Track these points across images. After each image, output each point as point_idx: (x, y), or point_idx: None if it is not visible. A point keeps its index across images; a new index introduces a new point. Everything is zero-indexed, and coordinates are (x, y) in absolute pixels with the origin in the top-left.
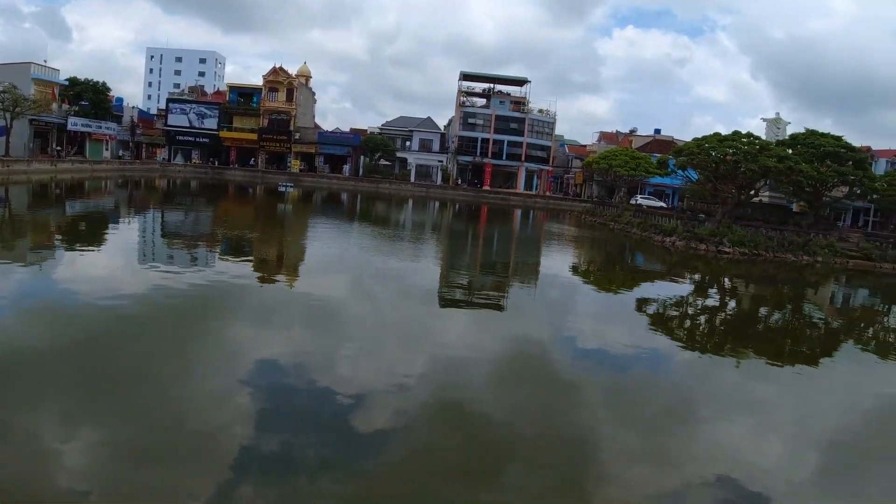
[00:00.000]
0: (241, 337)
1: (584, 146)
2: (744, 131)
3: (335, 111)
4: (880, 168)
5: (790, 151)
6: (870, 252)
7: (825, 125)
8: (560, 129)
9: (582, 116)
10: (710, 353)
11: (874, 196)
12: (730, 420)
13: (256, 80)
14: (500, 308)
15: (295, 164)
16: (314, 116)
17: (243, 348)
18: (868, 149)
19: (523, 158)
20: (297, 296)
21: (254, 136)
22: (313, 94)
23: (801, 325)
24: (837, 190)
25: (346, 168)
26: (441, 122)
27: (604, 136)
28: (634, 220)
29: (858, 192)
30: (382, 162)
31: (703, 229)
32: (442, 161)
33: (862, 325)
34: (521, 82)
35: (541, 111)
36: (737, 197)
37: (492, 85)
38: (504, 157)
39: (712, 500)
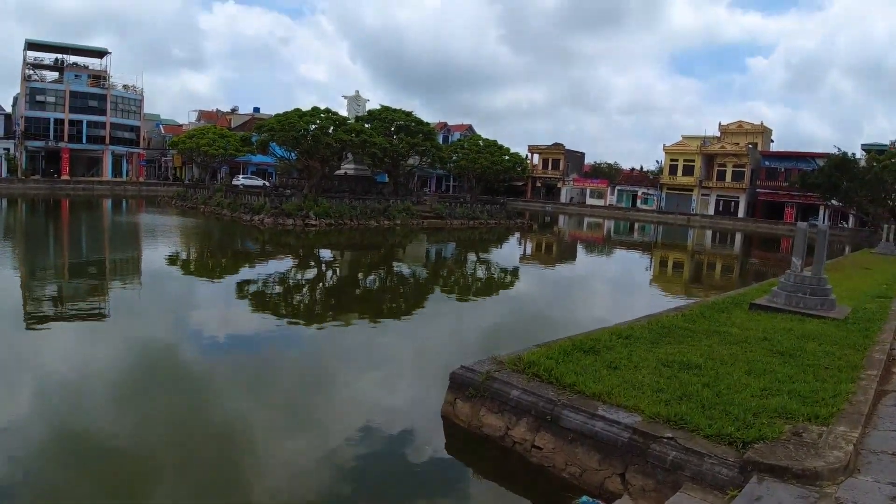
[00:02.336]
0: None
1: (182, 126)
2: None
3: None
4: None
5: (367, 126)
6: (441, 212)
7: (414, 104)
8: (159, 108)
9: (185, 94)
10: (319, 323)
11: (448, 164)
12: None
13: None
14: (102, 316)
15: None
16: None
17: None
18: (444, 125)
19: (107, 141)
20: None
21: None
22: None
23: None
24: (413, 160)
25: None
26: (6, 102)
27: (203, 115)
28: (225, 201)
29: (429, 160)
30: None
31: (290, 204)
32: (8, 149)
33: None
34: (100, 53)
35: (126, 87)
36: (321, 171)
37: (65, 56)
38: (85, 141)
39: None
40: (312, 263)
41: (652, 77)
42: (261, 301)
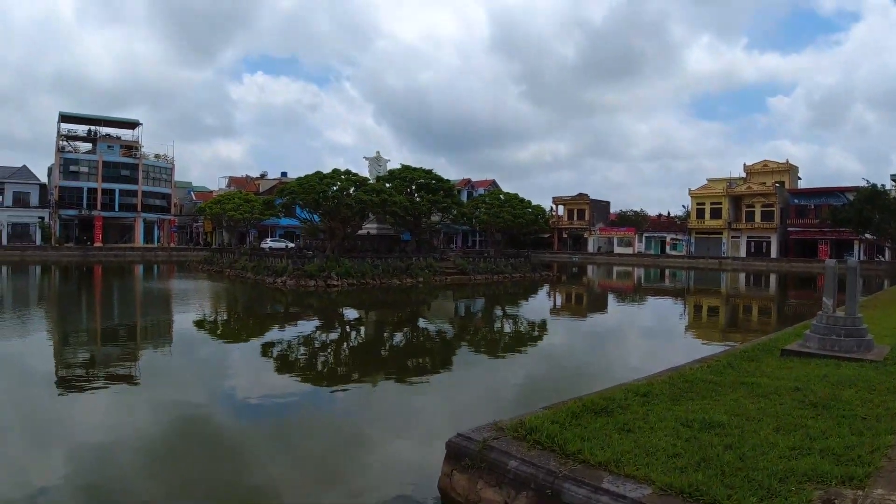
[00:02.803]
0: None
1: (213, 192)
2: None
3: None
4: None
5: (388, 185)
6: (464, 267)
7: (439, 162)
8: (192, 175)
9: (217, 161)
10: (334, 384)
11: (471, 220)
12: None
13: None
14: (133, 380)
15: None
16: None
17: None
18: (468, 181)
19: (139, 209)
20: None
21: None
22: None
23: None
24: (435, 217)
25: None
26: (41, 173)
27: (233, 181)
28: (249, 264)
29: (450, 217)
30: None
31: (312, 265)
32: (43, 217)
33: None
34: (132, 125)
35: (157, 156)
36: (343, 231)
37: (98, 127)
38: (117, 209)
39: None
40: (333, 324)
41: (674, 122)
42: (280, 364)
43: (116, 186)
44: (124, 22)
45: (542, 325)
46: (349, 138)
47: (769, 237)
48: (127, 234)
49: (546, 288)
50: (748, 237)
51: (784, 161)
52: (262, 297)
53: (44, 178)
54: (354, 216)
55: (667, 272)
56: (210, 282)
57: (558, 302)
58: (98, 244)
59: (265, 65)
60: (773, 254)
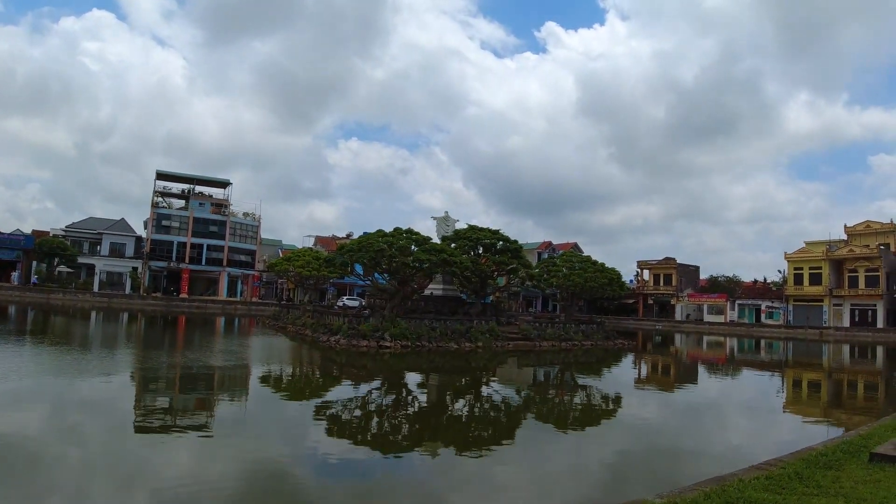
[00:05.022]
0: None
1: None
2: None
3: (35, 212)
4: None
5: (453, 246)
6: (529, 333)
7: (527, 226)
8: (288, 234)
9: (311, 222)
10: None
11: (538, 283)
12: None
13: None
14: (206, 430)
15: None
16: None
17: None
18: (549, 244)
19: (225, 263)
20: None
21: None
22: None
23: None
24: (502, 278)
25: (16, 276)
26: (139, 227)
27: (319, 241)
28: (309, 321)
29: (517, 280)
30: (64, 269)
31: (366, 325)
32: (136, 267)
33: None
34: (223, 184)
35: (245, 214)
36: (402, 291)
37: (191, 186)
38: (204, 262)
39: None
40: (370, 388)
41: (772, 183)
42: (310, 428)
43: (205, 241)
44: (231, 91)
45: (617, 400)
46: (437, 202)
47: (874, 305)
48: (212, 287)
49: (619, 358)
50: (851, 305)
51: (889, 222)
52: (306, 356)
53: (140, 231)
54: (413, 276)
55: (762, 343)
56: (267, 337)
57: (642, 374)
58: (184, 295)
59: (359, 131)
60: (880, 323)
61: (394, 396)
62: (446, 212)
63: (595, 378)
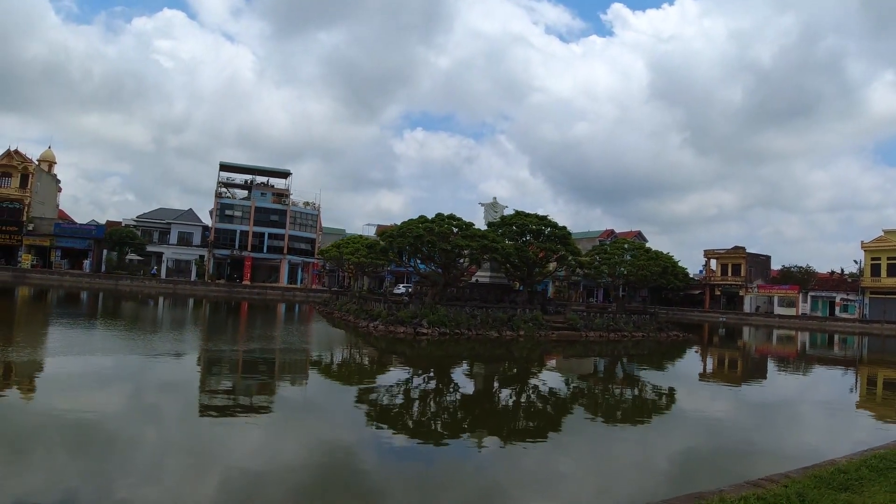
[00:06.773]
0: None
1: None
2: None
3: (116, 204)
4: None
5: (500, 232)
6: (575, 322)
7: (595, 214)
8: (354, 224)
9: (378, 212)
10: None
11: (589, 271)
12: None
13: None
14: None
15: (26, 259)
16: (58, 206)
17: None
18: (611, 232)
19: (285, 251)
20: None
21: None
22: (58, 181)
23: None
24: (551, 265)
25: (87, 263)
26: (206, 217)
27: (380, 229)
28: (353, 307)
29: (570, 266)
30: (134, 257)
31: (404, 312)
32: (202, 255)
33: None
34: (284, 174)
35: (306, 203)
36: (444, 278)
37: (253, 177)
38: (265, 251)
39: None
40: (401, 377)
41: (856, 170)
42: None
43: (266, 230)
44: (299, 83)
45: (670, 394)
46: (504, 191)
47: None
48: (273, 275)
49: (669, 352)
50: None
51: None
52: (341, 342)
53: (207, 222)
54: (455, 262)
55: (836, 338)
56: (312, 323)
57: (706, 368)
58: (246, 282)
59: (424, 121)
60: None
61: (425, 384)
62: (494, 198)
63: (652, 370)
